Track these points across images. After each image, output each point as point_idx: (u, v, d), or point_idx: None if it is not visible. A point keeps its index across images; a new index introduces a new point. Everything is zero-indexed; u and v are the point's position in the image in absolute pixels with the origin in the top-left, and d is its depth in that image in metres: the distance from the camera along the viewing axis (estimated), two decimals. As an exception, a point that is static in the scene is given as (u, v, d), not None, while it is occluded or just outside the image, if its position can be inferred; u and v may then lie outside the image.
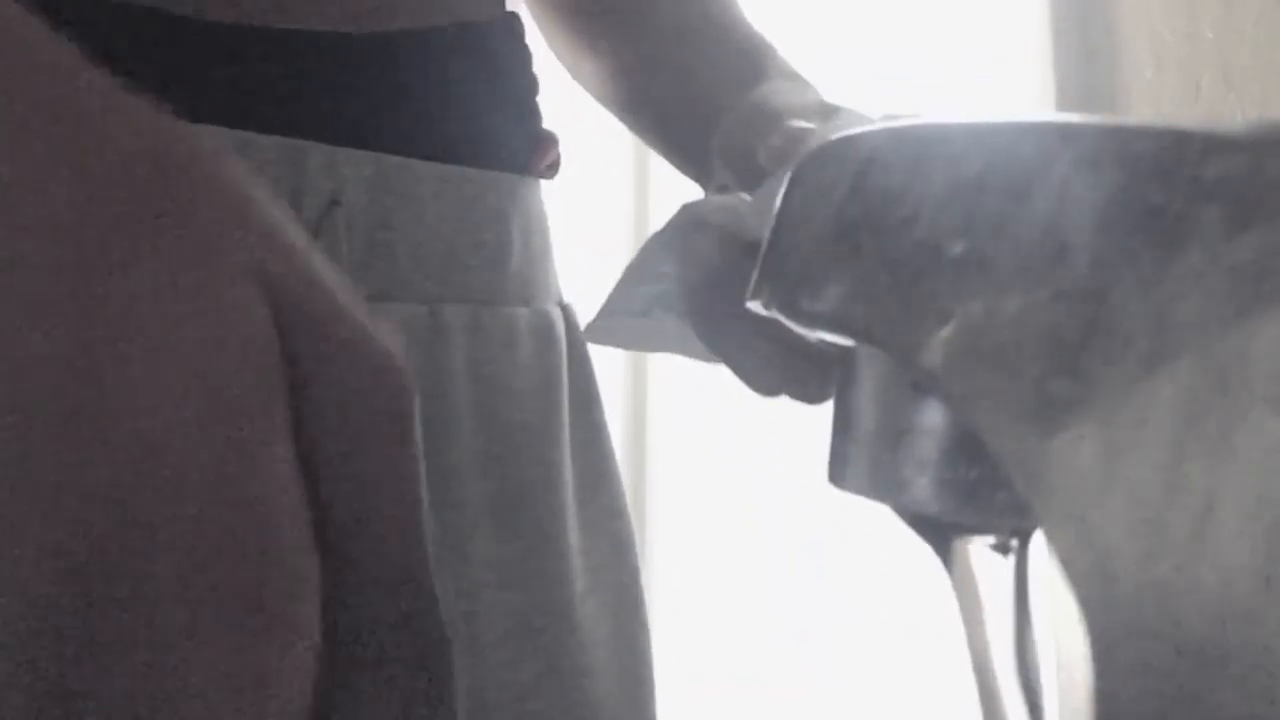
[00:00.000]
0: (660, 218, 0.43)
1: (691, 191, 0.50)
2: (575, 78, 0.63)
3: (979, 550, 0.24)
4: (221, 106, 0.43)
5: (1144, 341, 0.18)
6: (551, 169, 0.55)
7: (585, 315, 0.48)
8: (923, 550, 0.25)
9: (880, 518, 0.25)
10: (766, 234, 0.26)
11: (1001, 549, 0.24)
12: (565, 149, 0.56)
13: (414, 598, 0.26)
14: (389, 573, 0.25)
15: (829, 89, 0.47)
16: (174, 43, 0.43)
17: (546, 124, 0.55)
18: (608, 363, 1.67)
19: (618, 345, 0.48)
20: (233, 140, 0.43)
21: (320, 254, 0.27)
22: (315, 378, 0.25)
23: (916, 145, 0.23)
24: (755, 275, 0.26)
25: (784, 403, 0.39)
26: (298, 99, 0.45)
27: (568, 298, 0.57)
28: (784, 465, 1.44)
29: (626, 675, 0.53)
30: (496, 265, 0.50)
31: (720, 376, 0.41)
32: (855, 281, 0.22)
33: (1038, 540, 0.23)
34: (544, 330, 0.52)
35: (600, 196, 1.70)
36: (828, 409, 0.27)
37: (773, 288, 0.25)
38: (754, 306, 0.27)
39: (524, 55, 0.54)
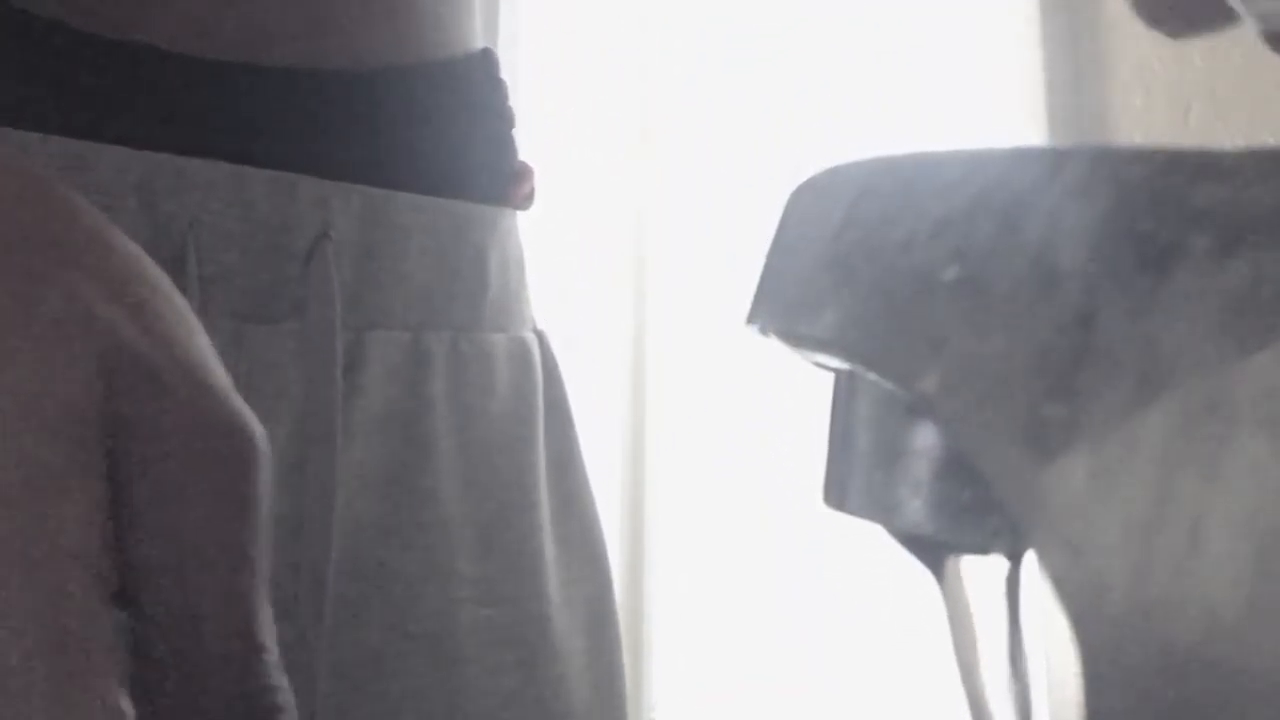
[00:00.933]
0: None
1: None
2: None
3: (971, 568, 0.24)
4: (215, 142, 0.44)
5: (1134, 366, 0.18)
6: (528, 200, 0.56)
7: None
8: (918, 563, 0.25)
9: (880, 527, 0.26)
10: (763, 259, 0.27)
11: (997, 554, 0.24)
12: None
13: (241, 676, 0.24)
14: (215, 646, 0.24)
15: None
16: (170, 79, 0.44)
17: (526, 156, 0.56)
18: (608, 365, 1.67)
19: None
20: (227, 174, 0.44)
21: (181, 308, 0.25)
22: (147, 436, 0.23)
23: (910, 173, 0.23)
24: (752, 299, 0.27)
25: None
26: (287, 135, 0.46)
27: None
28: (783, 470, 1.44)
29: (600, 685, 0.54)
30: (475, 294, 0.51)
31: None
32: (851, 307, 0.23)
33: (1029, 559, 0.23)
34: (520, 356, 0.53)
35: (600, 223, 1.71)
36: (823, 428, 0.27)
37: (769, 312, 0.26)
38: (750, 331, 0.27)
39: (500, 90, 0.55)
